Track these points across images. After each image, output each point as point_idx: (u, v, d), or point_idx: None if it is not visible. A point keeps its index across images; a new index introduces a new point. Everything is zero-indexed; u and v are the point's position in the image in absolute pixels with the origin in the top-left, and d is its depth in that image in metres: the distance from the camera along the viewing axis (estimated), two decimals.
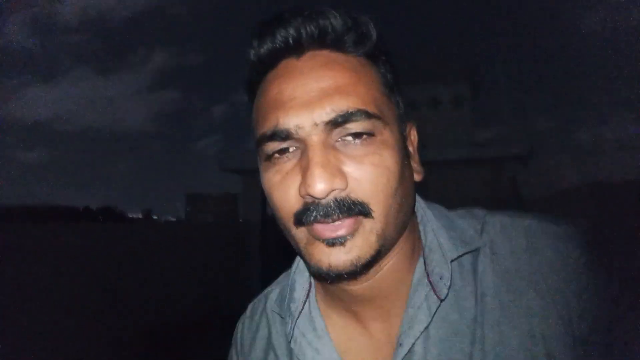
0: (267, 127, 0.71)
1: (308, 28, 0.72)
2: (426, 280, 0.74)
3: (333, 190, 0.66)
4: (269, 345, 0.87)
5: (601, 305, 0.66)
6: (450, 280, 0.71)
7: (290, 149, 0.71)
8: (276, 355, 0.85)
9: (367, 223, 0.68)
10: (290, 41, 0.72)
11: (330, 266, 0.68)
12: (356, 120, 0.68)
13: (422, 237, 0.79)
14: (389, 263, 0.76)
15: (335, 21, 0.72)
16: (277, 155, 0.72)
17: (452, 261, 0.73)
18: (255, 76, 0.78)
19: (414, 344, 0.71)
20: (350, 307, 0.80)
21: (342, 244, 0.68)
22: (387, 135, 0.71)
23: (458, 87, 15.93)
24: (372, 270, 0.74)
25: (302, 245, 0.72)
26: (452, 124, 15.24)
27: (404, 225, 0.75)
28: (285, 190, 0.71)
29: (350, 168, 0.68)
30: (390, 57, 0.79)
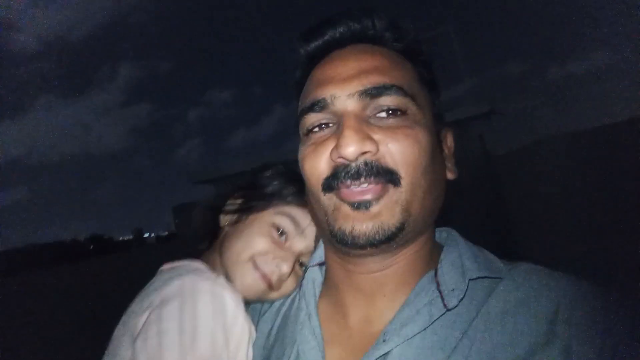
0: (307, 101, 0.78)
1: (352, 25, 0.81)
2: (434, 288, 0.74)
3: (364, 154, 0.70)
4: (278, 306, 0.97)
5: None
6: (465, 294, 0.72)
7: (330, 124, 0.76)
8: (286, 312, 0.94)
9: (393, 192, 0.71)
10: (337, 35, 0.82)
11: (353, 230, 0.71)
12: (390, 94, 0.72)
13: (443, 253, 0.80)
14: (407, 254, 0.78)
15: (375, 21, 0.81)
16: (315, 129, 0.77)
17: (470, 280, 0.73)
18: (304, 72, 0.86)
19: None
20: (356, 289, 0.81)
21: (367, 208, 0.70)
22: (419, 115, 0.75)
23: None
24: (390, 257, 0.77)
25: (329, 212, 0.75)
26: None
27: (432, 211, 0.78)
28: (317, 156, 0.75)
29: (381, 137, 0.71)
30: (426, 60, 0.84)
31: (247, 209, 1.06)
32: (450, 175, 0.84)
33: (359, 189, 0.70)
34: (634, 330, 0.62)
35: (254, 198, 1.07)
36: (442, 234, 0.89)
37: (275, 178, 1.08)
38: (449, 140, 0.87)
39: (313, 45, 0.84)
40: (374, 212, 0.70)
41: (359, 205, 0.70)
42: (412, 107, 0.74)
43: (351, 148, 0.68)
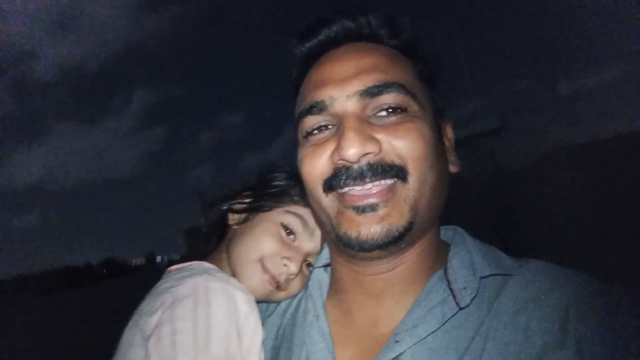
0: (305, 103, 0.76)
1: (346, 23, 0.80)
2: (444, 287, 0.72)
3: (366, 155, 0.67)
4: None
5: None
6: (477, 292, 0.70)
7: (329, 126, 0.74)
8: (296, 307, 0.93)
9: (401, 191, 0.68)
10: (332, 35, 0.80)
11: (359, 235, 0.68)
12: (391, 92, 0.70)
13: (452, 251, 0.78)
14: (414, 253, 0.76)
15: (371, 17, 0.80)
16: (314, 132, 0.75)
17: (481, 278, 0.71)
18: (300, 73, 0.84)
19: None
20: (364, 291, 0.80)
21: (373, 211, 0.68)
22: (420, 111, 0.73)
23: None
24: (397, 258, 0.74)
25: (332, 215, 0.72)
26: None
27: (438, 208, 0.76)
28: (316, 157, 0.73)
29: (384, 135, 0.69)
30: (427, 55, 0.82)
31: (255, 208, 1.06)
32: (453, 169, 0.82)
33: (362, 192, 0.68)
34: None
35: (263, 197, 1.06)
36: (447, 232, 0.87)
37: (283, 177, 1.08)
38: (449, 133, 0.85)
39: (308, 45, 0.83)
40: (382, 214, 0.68)
41: (365, 209, 0.68)
42: (412, 104, 0.72)
43: (353, 150, 0.66)
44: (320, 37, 0.81)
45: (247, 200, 1.09)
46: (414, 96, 0.72)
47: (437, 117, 0.79)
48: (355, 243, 0.69)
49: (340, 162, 0.69)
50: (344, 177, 0.69)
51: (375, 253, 0.70)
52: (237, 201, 1.10)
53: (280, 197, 1.04)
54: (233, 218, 1.10)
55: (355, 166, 0.68)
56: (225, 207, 1.10)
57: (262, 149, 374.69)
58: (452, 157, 0.83)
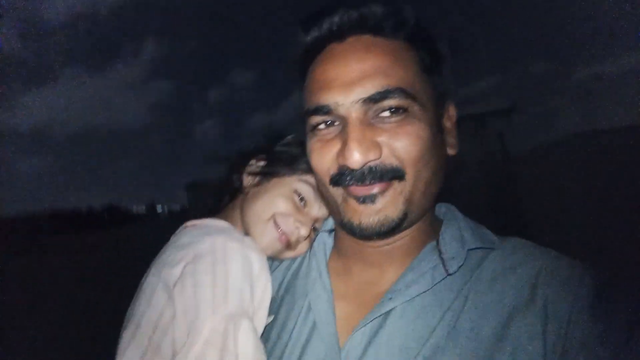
0: (311, 103, 0.81)
1: (350, 15, 0.80)
2: (436, 256, 0.82)
3: (368, 162, 0.74)
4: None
5: (591, 344, 0.66)
6: (463, 262, 0.79)
7: (335, 123, 0.80)
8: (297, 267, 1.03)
9: (397, 186, 0.77)
10: (334, 28, 0.81)
11: (360, 224, 0.78)
12: (393, 97, 0.75)
13: (444, 226, 0.87)
14: (411, 230, 0.85)
15: (375, 8, 0.79)
16: (320, 126, 0.81)
17: (468, 250, 0.81)
18: (304, 61, 0.87)
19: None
20: (364, 259, 0.90)
21: (372, 202, 0.77)
22: (420, 111, 0.77)
23: None
24: (396, 235, 0.84)
25: (338, 202, 0.82)
26: None
27: (433, 195, 0.84)
28: (324, 154, 0.80)
29: (384, 139, 0.75)
30: (430, 41, 0.84)
31: (270, 173, 1.13)
32: (451, 151, 0.88)
33: (365, 186, 0.77)
34: (601, 300, 0.70)
35: (278, 163, 1.13)
36: (441, 208, 0.96)
37: (295, 145, 1.15)
38: (451, 112, 0.89)
39: (311, 36, 0.84)
40: (379, 206, 0.77)
41: (365, 200, 0.77)
42: (413, 105, 0.77)
43: (355, 158, 0.73)
44: (324, 29, 0.82)
45: (262, 164, 1.16)
46: (414, 98, 0.77)
47: (439, 103, 0.84)
48: (357, 230, 0.79)
49: (344, 165, 0.77)
50: (347, 178, 0.77)
51: (374, 240, 0.82)
52: (251, 163, 1.18)
53: (294, 165, 1.12)
54: (247, 179, 1.17)
55: (358, 170, 0.76)
56: (241, 169, 1.18)
57: (270, 110, 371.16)
58: (452, 139, 0.89)
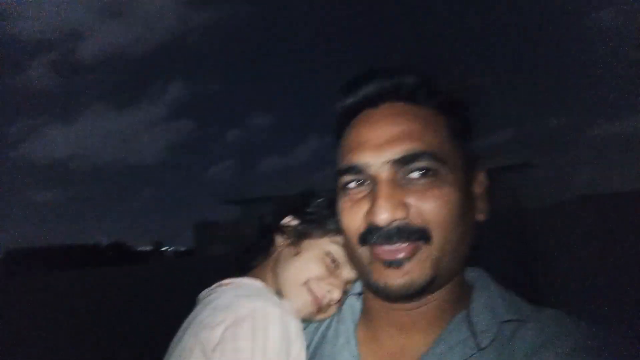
0: (344, 163, 0.84)
1: (384, 84, 0.84)
2: (465, 328, 0.80)
3: (395, 220, 0.75)
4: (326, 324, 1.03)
5: None
6: (495, 335, 0.76)
7: (366, 182, 0.82)
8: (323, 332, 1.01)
9: (424, 249, 0.76)
10: (370, 96, 0.85)
11: (386, 285, 0.77)
12: (422, 160, 0.76)
13: (474, 293, 0.86)
14: (440, 295, 0.84)
15: (409, 78, 0.83)
16: (351, 185, 0.83)
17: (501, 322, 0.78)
18: (341, 124, 0.90)
19: None
20: (392, 323, 0.88)
21: (398, 266, 0.76)
22: (449, 175, 0.78)
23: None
24: (423, 299, 0.82)
25: (364, 263, 0.82)
26: None
27: (461, 259, 0.83)
28: (353, 213, 0.81)
29: (412, 200, 0.76)
30: (461, 109, 0.86)
31: (303, 234, 1.14)
32: (480, 217, 0.88)
33: (391, 248, 0.76)
34: None
35: (311, 224, 1.14)
36: (472, 273, 0.94)
37: (326, 206, 1.15)
38: (482, 179, 0.90)
39: (348, 102, 0.89)
40: (406, 269, 0.76)
41: (391, 263, 0.76)
42: (442, 169, 0.78)
43: (383, 216, 0.74)
44: (360, 96, 0.87)
45: (295, 224, 1.17)
46: (443, 162, 0.78)
47: (469, 169, 0.85)
48: (382, 292, 0.79)
49: (372, 222, 0.77)
50: (375, 236, 0.77)
51: (400, 301, 0.80)
52: (284, 223, 1.18)
53: (326, 227, 1.12)
54: (280, 240, 1.17)
55: (385, 229, 0.76)
56: (275, 229, 1.19)
57: (284, 154, 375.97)
58: (481, 205, 0.89)
